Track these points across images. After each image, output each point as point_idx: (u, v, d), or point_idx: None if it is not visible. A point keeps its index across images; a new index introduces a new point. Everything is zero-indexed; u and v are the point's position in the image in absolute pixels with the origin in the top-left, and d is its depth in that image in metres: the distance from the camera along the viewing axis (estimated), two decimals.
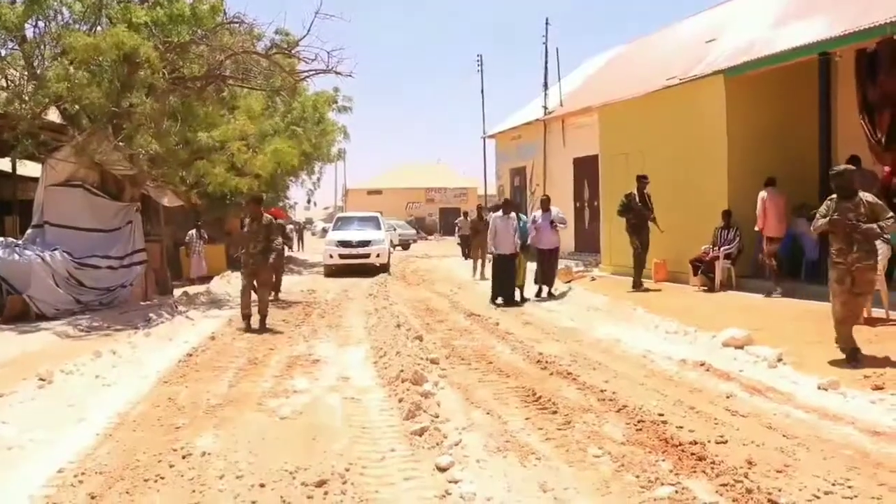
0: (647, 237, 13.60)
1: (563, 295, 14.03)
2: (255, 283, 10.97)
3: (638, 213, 13.49)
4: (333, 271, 21.65)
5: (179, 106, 13.81)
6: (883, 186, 10.58)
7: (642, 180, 13.63)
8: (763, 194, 11.84)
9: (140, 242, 13.98)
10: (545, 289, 14.08)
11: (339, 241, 21.98)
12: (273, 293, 13.78)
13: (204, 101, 14.88)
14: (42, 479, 4.58)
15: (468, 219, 31.21)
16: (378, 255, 21.83)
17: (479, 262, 18.97)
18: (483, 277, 17.69)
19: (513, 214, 13.65)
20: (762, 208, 11.77)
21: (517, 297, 13.63)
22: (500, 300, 13.35)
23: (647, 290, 13.33)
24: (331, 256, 21.96)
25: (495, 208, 14.70)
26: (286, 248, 29.37)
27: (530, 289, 14.15)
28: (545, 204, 14.18)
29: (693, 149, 13.60)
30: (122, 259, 13.38)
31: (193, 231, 19.37)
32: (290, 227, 46.72)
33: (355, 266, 21.30)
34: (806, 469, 4.43)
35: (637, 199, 13.54)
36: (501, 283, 13.46)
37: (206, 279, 18.27)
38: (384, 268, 21.82)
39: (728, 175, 12.95)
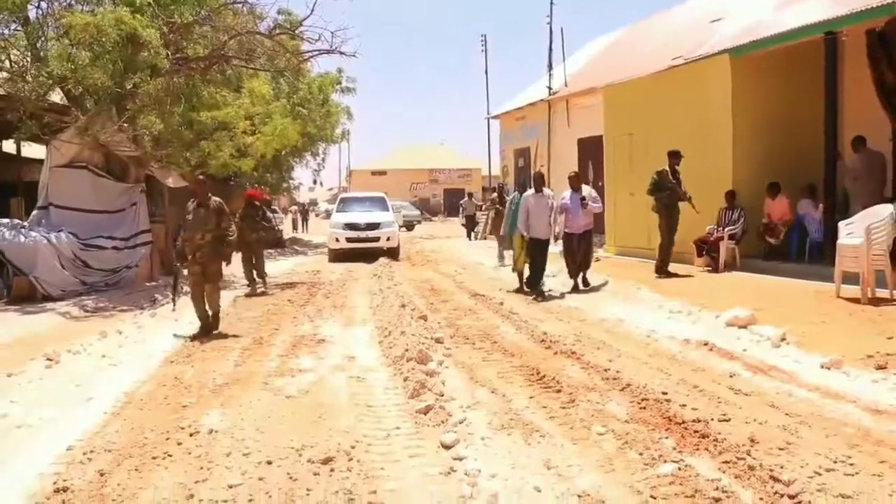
0: (678, 218, 12.54)
1: (598, 287, 11.96)
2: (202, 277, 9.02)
3: (672, 192, 12.37)
4: (340, 256, 20.03)
5: (183, 87, 13.79)
6: None
7: (674, 156, 12.48)
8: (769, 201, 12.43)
9: (145, 223, 14.03)
10: (580, 280, 12.08)
11: (345, 224, 20.31)
12: (258, 281, 13.54)
13: (208, 82, 14.86)
14: (51, 457, 4.64)
15: (473, 199, 31.34)
16: (388, 239, 20.33)
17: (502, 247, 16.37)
18: (504, 264, 15.80)
19: (548, 192, 12.01)
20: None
21: (520, 283, 12.26)
22: (545, 286, 11.81)
23: (674, 275, 12.27)
24: (337, 240, 20.26)
25: (523, 188, 12.84)
26: (276, 230, 29.40)
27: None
28: (574, 181, 12.13)
29: (698, 129, 13.54)
30: (127, 240, 13.44)
31: None
32: (293, 208, 46.73)
33: (363, 250, 19.68)
34: (808, 447, 4.45)
35: (670, 176, 12.39)
36: (534, 269, 11.78)
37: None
38: (394, 252, 20.22)
39: (733, 156, 12.91)
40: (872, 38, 11.09)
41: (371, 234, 20.09)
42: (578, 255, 11.90)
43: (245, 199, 14.37)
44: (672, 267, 12.37)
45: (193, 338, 8.69)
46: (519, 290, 12.02)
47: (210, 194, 9.08)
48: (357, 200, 23.14)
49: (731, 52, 13.13)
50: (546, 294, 11.47)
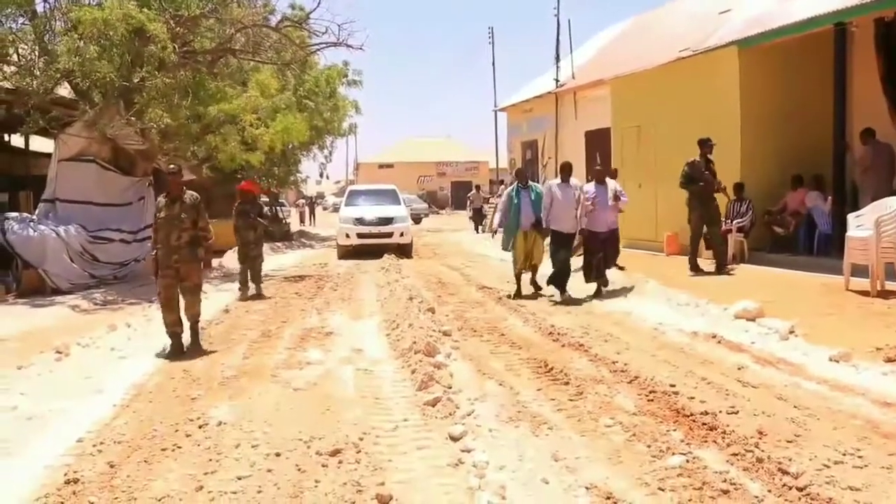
0: (716, 211, 11.72)
1: (623, 291, 10.76)
2: (179, 288, 7.76)
3: (706, 184, 11.47)
4: (349, 253, 18.79)
5: (190, 80, 13.81)
6: None
7: (704, 144, 11.59)
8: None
9: (152, 217, 14.05)
10: (600, 282, 10.82)
11: (356, 219, 18.85)
12: (251, 286, 11.93)
13: (215, 75, 14.88)
14: (61, 449, 4.68)
15: (480, 192, 31.30)
16: (402, 235, 18.83)
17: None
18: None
19: (575, 181, 10.91)
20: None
21: (533, 280, 11.27)
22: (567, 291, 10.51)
23: (707, 273, 11.31)
24: (347, 236, 18.83)
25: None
26: (284, 223, 29.13)
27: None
28: (601, 174, 11.04)
29: (706, 121, 13.45)
30: (135, 234, 13.48)
31: None
32: (300, 202, 46.75)
33: (374, 247, 18.33)
34: (816, 439, 4.44)
35: (703, 166, 11.51)
36: (558, 266, 10.57)
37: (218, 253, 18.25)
38: (407, 249, 18.88)
39: (741, 148, 12.84)
40: (881, 29, 11.02)
41: (383, 229, 18.74)
42: (602, 255, 10.72)
43: (239, 192, 12.76)
44: (678, 260, 12.28)
45: (167, 358, 7.41)
46: (517, 295, 10.84)
47: (185, 187, 7.93)
48: (367, 193, 21.60)
49: (740, 43, 13.05)
50: (569, 296, 10.31)
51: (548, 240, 10.89)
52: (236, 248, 12.54)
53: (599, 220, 10.70)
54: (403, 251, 18.65)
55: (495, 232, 11.27)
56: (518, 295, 10.86)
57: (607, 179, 11.04)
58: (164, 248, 7.64)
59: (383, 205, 19.76)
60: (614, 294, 10.59)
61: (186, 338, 7.79)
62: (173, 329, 7.66)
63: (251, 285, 11.91)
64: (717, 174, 11.71)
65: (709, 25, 16.36)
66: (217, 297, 11.47)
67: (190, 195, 7.80)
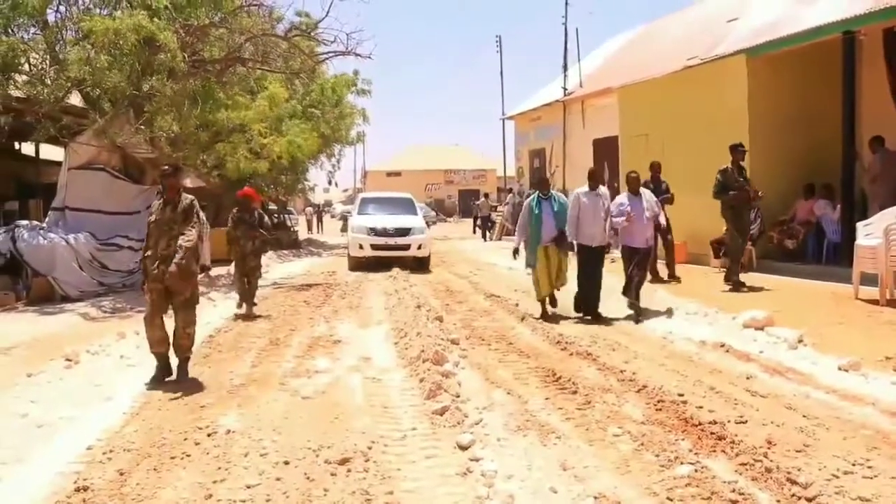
0: (748, 221, 11.19)
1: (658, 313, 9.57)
2: (167, 303, 6.82)
3: (740, 192, 10.71)
4: (361, 265, 17.31)
5: (199, 89, 13.89)
6: None
7: (738, 150, 10.88)
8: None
9: None
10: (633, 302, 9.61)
11: (370, 229, 17.33)
12: (247, 305, 10.75)
13: (224, 84, 14.96)
14: (71, 456, 4.69)
15: (488, 200, 31.35)
16: (420, 247, 17.26)
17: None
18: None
19: (603, 190, 9.89)
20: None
21: (552, 304, 9.95)
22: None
23: (745, 286, 10.62)
24: (360, 247, 17.29)
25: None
26: (292, 231, 29.00)
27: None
28: (635, 184, 9.78)
29: (714, 130, 13.46)
30: (143, 241, 13.51)
31: (202, 213, 16.90)
32: (307, 210, 46.85)
33: (390, 259, 16.99)
34: (826, 449, 4.43)
35: (736, 173, 10.79)
36: (586, 285, 9.59)
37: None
38: (424, 263, 17.40)
39: (749, 156, 12.81)
40: (890, 39, 11.01)
41: (400, 241, 17.21)
42: (636, 272, 9.49)
43: (237, 200, 11.54)
44: (685, 269, 12.24)
45: (150, 386, 6.51)
46: (543, 317, 9.65)
47: (182, 190, 7.09)
48: (380, 202, 20.00)
49: (748, 52, 13.07)
50: (603, 317, 9.42)
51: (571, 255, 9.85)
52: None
53: (637, 235, 9.53)
54: (421, 265, 17.27)
55: (517, 251, 10.22)
56: (545, 316, 9.65)
57: (642, 190, 9.85)
58: (152, 256, 6.73)
59: (399, 214, 18.37)
60: (621, 303, 10.34)
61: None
62: (157, 349, 6.76)
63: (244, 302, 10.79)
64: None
65: (717, 34, 16.38)
66: (226, 305, 11.50)
67: (186, 198, 6.92)
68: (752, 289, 10.58)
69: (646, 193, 9.84)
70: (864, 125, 11.73)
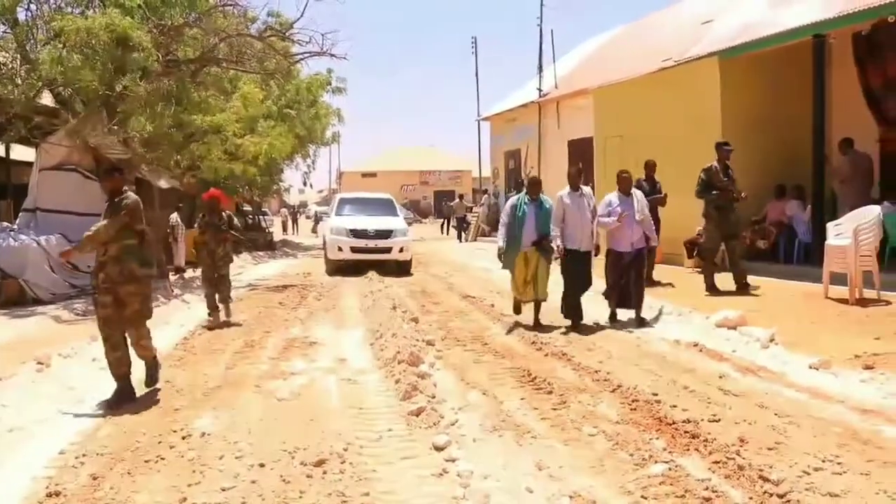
0: (735, 222, 10.75)
1: (654, 321, 9.12)
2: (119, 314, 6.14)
3: (724, 192, 10.47)
4: (340, 268, 16.68)
5: (173, 89, 13.79)
6: None
7: (723, 148, 10.65)
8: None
9: None
10: (626, 311, 9.23)
11: (350, 231, 16.69)
12: (221, 308, 10.16)
13: (198, 84, 14.86)
14: (44, 461, 4.63)
15: (463, 201, 31.38)
16: (401, 250, 16.75)
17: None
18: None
19: (587, 190, 9.35)
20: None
21: (536, 320, 9.19)
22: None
23: (727, 293, 10.32)
24: (339, 249, 16.64)
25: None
26: (267, 232, 28.90)
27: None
28: (626, 184, 9.19)
29: (688, 131, 13.59)
30: None
31: (176, 214, 15.72)
32: (282, 211, 46.60)
33: (370, 263, 16.38)
34: (797, 446, 4.49)
35: (721, 173, 10.53)
36: (573, 292, 9.05)
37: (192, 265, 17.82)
38: (406, 267, 16.83)
39: None
40: (859, 42, 11.19)
41: (381, 243, 16.62)
42: (629, 278, 9.03)
43: (205, 202, 10.75)
44: (659, 270, 12.28)
45: (111, 408, 5.80)
46: (523, 325, 9.12)
47: (126, 189, 6.38)
48: (360, 202, 19.30)
49: (721, 54, 13.21)
50: (582, 324, 8.96)
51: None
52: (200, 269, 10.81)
53: (625, 238, 9.02)
54: (402, 268, 16.73)
55: (501, 255, 9.33)
56: (536, 324, 9.08)
57: (633, 190, 9.28)
58: (95, 264, 6.14)
59: (379, 216, 17.74)
60: (595, 304, 9.97)
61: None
62: (117, 371, 6.04)
63: (220, 307, 10.18)
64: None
65: (692, 36, 16.54)
66: (200, 307, 11.40)
67: (130, 197, 6.23)
68: (728, 293, 10.41)
69: (637, 194, 9.28)
70: (833, 127, 11.90)
